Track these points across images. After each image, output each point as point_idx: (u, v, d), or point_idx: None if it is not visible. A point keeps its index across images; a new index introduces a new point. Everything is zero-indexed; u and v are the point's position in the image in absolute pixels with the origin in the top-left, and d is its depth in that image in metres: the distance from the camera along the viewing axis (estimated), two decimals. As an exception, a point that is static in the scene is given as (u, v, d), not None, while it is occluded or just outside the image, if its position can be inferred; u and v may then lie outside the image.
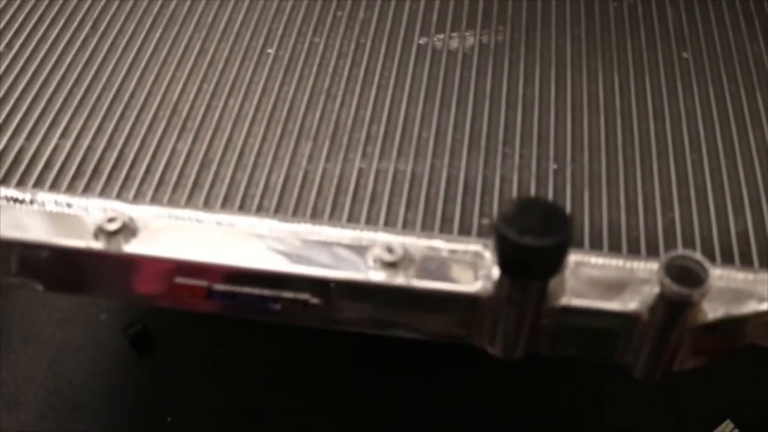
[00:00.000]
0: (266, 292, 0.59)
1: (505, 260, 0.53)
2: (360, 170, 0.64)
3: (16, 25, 0.75)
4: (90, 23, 0.76)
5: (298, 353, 1.18)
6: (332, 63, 0.72)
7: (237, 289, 0.59)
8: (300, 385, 1.17)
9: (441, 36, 0.75)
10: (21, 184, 0.63)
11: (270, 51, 0.73)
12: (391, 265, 0.57)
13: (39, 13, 0.76)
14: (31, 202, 0.62)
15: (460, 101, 0.69)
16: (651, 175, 0.64)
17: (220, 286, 0.59)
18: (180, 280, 0.60)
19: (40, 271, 0.61)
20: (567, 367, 1.13)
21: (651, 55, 0.73)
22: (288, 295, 0.59)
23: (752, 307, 0.56)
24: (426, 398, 1.16)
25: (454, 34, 0.75)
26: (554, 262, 0.53)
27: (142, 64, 0.72)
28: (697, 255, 0.53)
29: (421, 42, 0.74)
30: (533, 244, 0.50)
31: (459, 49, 0.74)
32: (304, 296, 0.59)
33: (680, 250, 0.55)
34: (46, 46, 0.74)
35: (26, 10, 0.77)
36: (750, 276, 0.58)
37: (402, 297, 0.58)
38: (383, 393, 1.16)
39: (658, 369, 0.57)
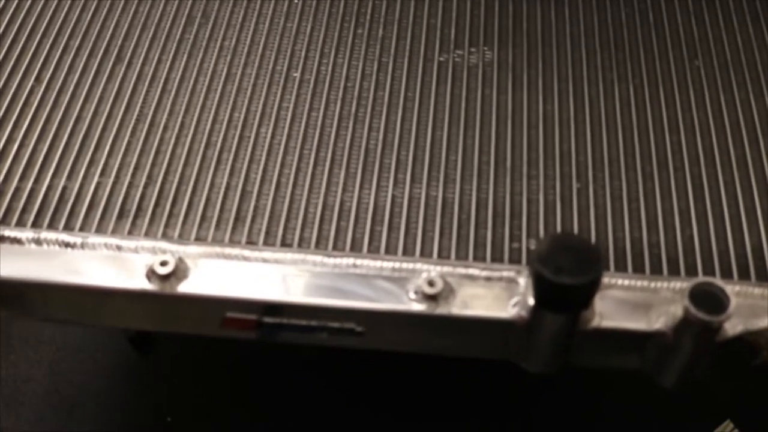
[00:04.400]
0: (314, 323, 0.63)
1: (541, 296, 0.57)
2: (393, 198, 0.67)
3: (42, 55, 0.77)
4: (115, 51, 0.77)
5: (301, 353, 1.16)
6: (357, 85, 0.74)
7: (285, 321, 0.63)
8: (301, 384, 1.17)
9: (460, 52, 0.77)
10: (68, 225, 0.66)
11: (296, 75, 0.75)
12: (431, 298, 0.61)
13: (63, 42, 0.78)
14: (82, 246, 0.64)
15: (484, 122, 0.72)
16: (669, 191, 0.68)
17: (269, 319, 0.63)
18: (231, 314, 0.63)
19: (90, 313, 0.65)
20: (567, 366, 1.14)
21: (664, 64, 0.75)
22: (334, 325, 0.63)
23: (769, 321, 0.60)
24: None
25: (473, 50, 0.77)
26: (587, 297, 0.57)
27: (172, 95, 0.74)
28: (720, 282, 0.57)
29: (441, 59, 0.76)
30: (569, 283, 0.54)
31: (478, 64, 0.76)
32: (349, 325, 0.63)
33: (703, 278, 0.59)
34: (75, 78, 0.75)
35: (50, 40, 0.78)
36: (766, 291, 0.62)
37: (441, 323, 0.62)
38: (396, 396, 1.15)
39: (681, 380, 0.62)
